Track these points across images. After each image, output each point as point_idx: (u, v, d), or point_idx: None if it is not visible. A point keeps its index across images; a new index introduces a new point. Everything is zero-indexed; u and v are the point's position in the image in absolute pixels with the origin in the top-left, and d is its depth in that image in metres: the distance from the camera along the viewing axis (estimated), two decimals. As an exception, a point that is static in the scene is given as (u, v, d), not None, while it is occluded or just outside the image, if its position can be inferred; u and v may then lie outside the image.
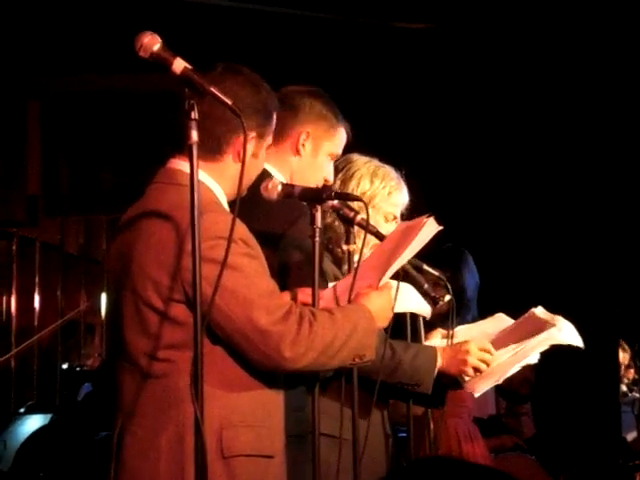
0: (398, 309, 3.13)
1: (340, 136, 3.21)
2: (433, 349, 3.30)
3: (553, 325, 3.29)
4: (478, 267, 4.88)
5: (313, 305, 2.62)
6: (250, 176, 2.58)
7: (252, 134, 2.55)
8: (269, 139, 2.65)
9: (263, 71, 2.72)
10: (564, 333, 3.30)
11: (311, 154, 3.16)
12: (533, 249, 6.85)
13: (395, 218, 3.42)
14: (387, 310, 2.65)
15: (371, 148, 3.52)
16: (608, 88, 6.66)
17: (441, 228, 2.69)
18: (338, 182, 3.35)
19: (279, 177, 2.93)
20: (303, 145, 3.14)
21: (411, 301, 3.18)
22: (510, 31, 6.63)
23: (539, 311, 3.36)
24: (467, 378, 3.33)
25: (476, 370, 3.30)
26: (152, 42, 2.25)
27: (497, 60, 6.73)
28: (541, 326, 3.30)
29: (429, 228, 2.66)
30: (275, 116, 2.65)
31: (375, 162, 3.44)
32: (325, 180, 3.16)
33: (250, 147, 2.55)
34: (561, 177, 6.88)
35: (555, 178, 6.89)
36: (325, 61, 6.64)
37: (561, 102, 6.77)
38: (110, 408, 2.56)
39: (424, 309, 3.25)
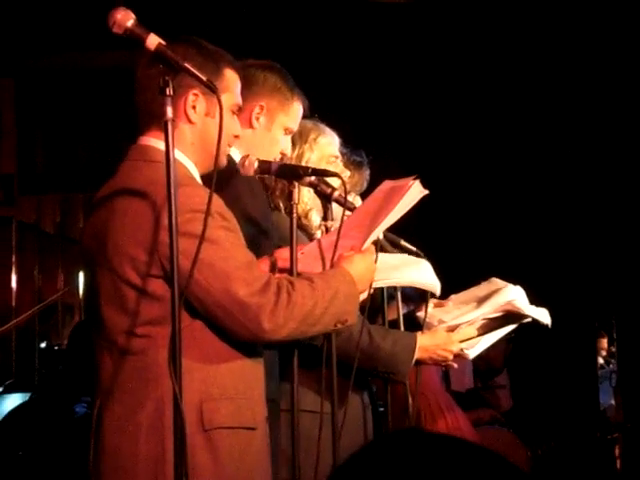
0: (414, 282, 3.13)
1: (295, 110, 3.17)
2: (412, 339, 3.30)
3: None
4: (461, 255, 4.86)
5: (291, 272, 2.61)
6: (212, 138, 2.45)
7: (194, 91, 2.49)
8: (228, 97, 2.52)
9: (241, 49, 2.69)
10: (516, 293, 3.37)
11: (265, 127, 3.11)
12: (513, 233, 6.87)
13: (337, 157, 3.41)
14: (369, 274, 2.63)
15: (351, 134, 3.51)
16: (595, 71, 6.67)
17: (427, 192, 2.66)
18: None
19: (233, 151, 2.85)
20: (257, 118, 3.09)
21: (428, 275, 3.16)
22: (494, 6, 6.61)
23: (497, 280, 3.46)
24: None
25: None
26: (125, 18, 2.23)
27: (479, 36, 6.71)
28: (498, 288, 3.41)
29: (414, 191, 2.64)
30: (226, 72, 2.56)
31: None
32: (282, 154, 3.14)
33: (201, 106, 2.52)
34: (543, 162, 6.89)
35: (537, 162, 6.90)
36: (303, 39, 6.61)
37: (545, 79, 6.77)
38: (87, 373, 2.55)
39: (435, 286, 3.21)
